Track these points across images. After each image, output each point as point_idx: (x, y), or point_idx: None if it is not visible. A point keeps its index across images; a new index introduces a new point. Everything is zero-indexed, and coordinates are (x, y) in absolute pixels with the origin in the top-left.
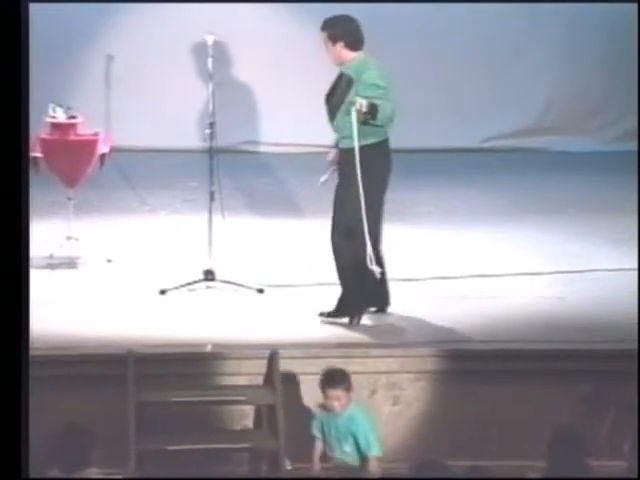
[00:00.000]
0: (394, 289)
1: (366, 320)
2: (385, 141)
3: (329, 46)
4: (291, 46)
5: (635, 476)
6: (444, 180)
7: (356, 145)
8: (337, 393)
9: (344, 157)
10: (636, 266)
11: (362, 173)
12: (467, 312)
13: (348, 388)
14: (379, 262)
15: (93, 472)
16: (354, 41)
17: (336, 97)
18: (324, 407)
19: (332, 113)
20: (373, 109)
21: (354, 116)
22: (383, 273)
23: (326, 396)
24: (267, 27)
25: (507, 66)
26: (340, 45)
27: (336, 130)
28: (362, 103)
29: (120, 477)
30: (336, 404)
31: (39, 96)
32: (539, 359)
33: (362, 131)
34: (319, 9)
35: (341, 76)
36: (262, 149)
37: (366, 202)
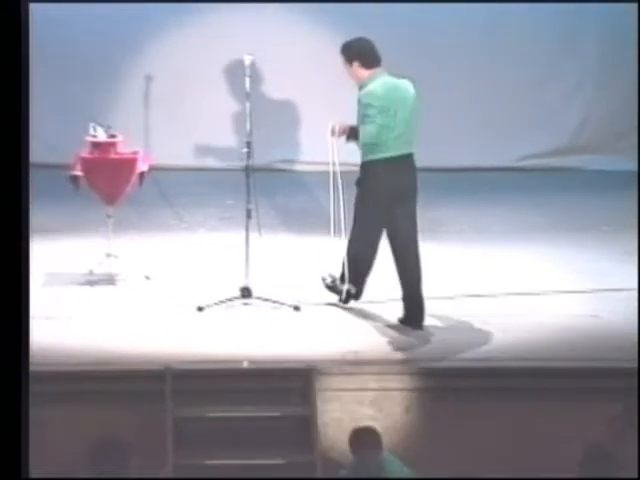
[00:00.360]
0: (428, 307)
1: (401, 337)
2: (396, 157)
3: (347, 67)
4: (327, 65)
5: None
6: (479, 199)
7: (331, 168)
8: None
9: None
10: None
11: (363, 188)
12: (500, 330)
13: (379, 447)
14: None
15: None
16: (368, 60)
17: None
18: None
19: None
20: (352, 132)
21: (328, 137)
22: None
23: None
24: (303, 46)
25: (542, 85)
26: (356, 65)
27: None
28: (334, 126)
29: (120, 477)
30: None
31: (80, 115)
32: (573, 377)
33: (370, 147)
34: (357, 29)
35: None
36: (298, 167)
37: (362, 218)
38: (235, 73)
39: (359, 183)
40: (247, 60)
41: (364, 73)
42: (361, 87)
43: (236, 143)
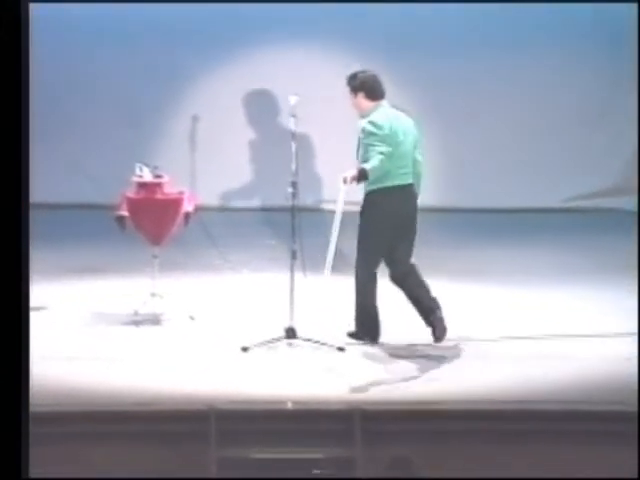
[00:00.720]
0: (472, 349)
1: (443, 379)
2: (398, 187)
3: (352, 97)
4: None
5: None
6: (525, 240)
7: (337, 219)
8: None
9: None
10: None
11: (367, 216)
12: (542, 372)
13: None
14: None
15: None
16: (373, 92)
17: (358, 150)
18: None
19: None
20: (361, 174)
21: (341, 187)
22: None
23: None
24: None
25: (588, 126)
26: (360, 96)
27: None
28: (346, 177)
29: (119, 477)
30: None
31: (126, 155)
32: (605, 420)
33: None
34: (400, 67)
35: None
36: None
37: (366, 247)
38: (279, 113)
39: (363, 213)
40: (292, 100)
41: (368, 104)
42: (363, 117)
43: (281, 183)
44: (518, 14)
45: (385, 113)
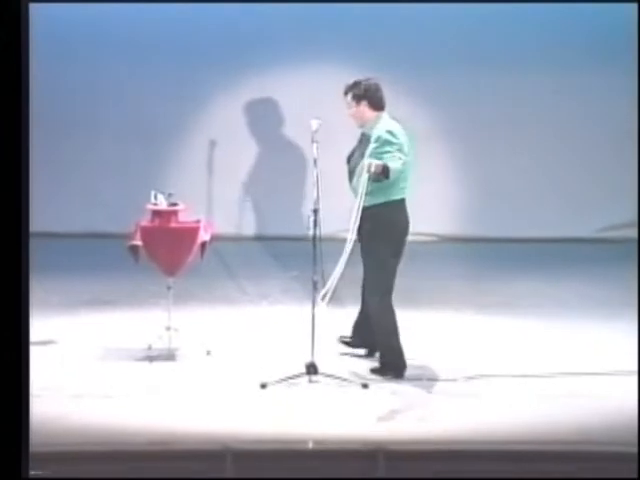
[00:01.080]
0: (501, 384)
1: (467, 417)
2: (396, 201)
3: (352, 107)
4: None
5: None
6: (557, 270)
7: (359, 204)
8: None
9: (362, 216)
10: None
11: (370, 231)
12: (569, 411)
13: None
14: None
15: None
16: (377, 101)
17: (355, 158)
18: None
19: (351, 174)
20: (385, 169)
21: (364, 177)
22: None
23: None
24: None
25: (620, 156)
26: (364, 104)
27: (354, 190)
28: (371, 164)
29: (118, 477)
30: None
31: (140, 182)
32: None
33: (382, 189)
34: (421, 94)
35: (362, 137)
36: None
37: (371, 260)
38: (298, 138)
39: (370, 228)
40: (314, 125)
41: (371, 114)
42: (362, 127)
43: (302, 211)
44: (530, 32)
45: (394, 124)
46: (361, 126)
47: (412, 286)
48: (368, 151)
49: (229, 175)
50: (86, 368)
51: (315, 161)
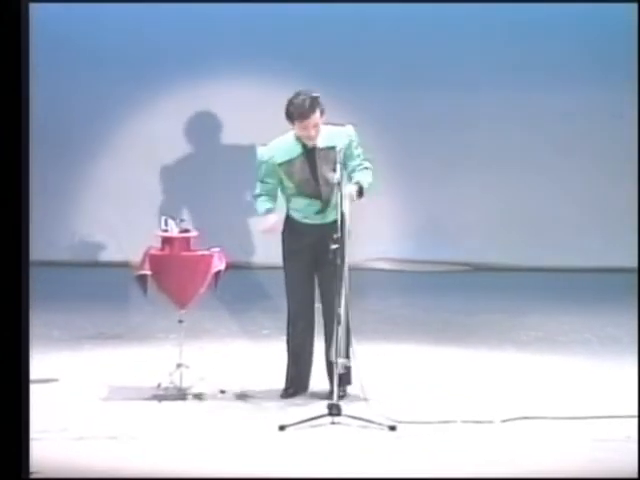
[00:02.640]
0: (547, 427)
1: (504, 461)
2: None
3: (319, 120)
4: (413, 164)
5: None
6: (606, 303)
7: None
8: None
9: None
10: None
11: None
12: (626, 459)
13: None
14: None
15: None
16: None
17: (320, 173)
18: None
19: (319, 191)
20: (361, 191)
21: (346, 204)
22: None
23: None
24: (393, 141)
25: None
26: (324, 117)
27: (324, 207)
28: (352, 193)
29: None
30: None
31: (149, 207)
32: None
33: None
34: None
35: (314, 149)
36: (394, 266)
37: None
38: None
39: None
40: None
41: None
42: (312, 140)
43: None
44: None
45: (331, 128)
46: (311, 139)
47: (440, 319)
48: (339, 163)
49: (245, 201)
50: (90, 408)
51: (339, 184)
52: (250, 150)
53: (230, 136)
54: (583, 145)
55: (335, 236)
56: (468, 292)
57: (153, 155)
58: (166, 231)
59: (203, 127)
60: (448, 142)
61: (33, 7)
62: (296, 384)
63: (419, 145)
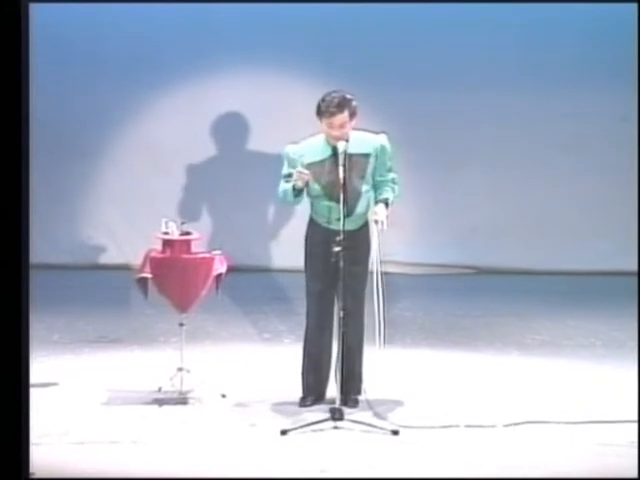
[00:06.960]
0: (551, 431)
1: (513, 466)
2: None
3: (347, 122)
4: (417, 167)
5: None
6: (611, 306)
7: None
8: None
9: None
10: None
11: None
12: (631, 464)
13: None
14: None
15: None
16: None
17: (347, 176)
18: None
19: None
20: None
21: (375, 231)
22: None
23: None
24: (397, 144)
25: None
26: (354, 120)
27: (349, 214)
28: (383, 220)
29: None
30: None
31: (149, 209)
32: None
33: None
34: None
35: (344, 154)
36: (397, 269)
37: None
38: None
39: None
40: (341, 147)
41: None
42: (339, 141)
43: None
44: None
45: (362, 133)
46: (339, 140)
47: (445, 323)
48: (370, 170)
49: (248, 202)
50: (90, 412)
51: (342, 187)
52: (254, 152)
53: (233, 138)
54: (587, 148)
55: (337, 238)
56: (472, 295)
57: (154, 157)
58: (167, 234)
59: (205, 129)
60: (453, 144)
61: (33, 7)
62: (315, 393)
63: (424, 148)
